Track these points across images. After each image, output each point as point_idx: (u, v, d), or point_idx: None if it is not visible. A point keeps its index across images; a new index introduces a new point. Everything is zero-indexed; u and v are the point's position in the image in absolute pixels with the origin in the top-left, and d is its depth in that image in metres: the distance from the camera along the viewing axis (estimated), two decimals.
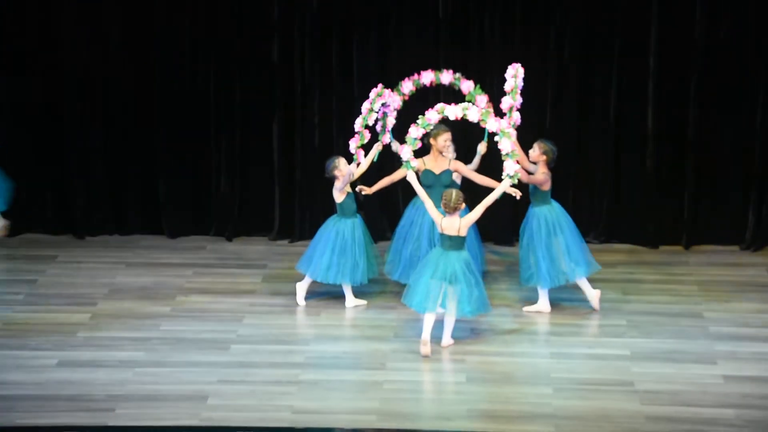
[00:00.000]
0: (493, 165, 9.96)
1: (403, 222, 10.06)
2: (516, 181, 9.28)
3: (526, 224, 9.92)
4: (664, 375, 8.95)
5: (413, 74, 10.89)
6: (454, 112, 9.42)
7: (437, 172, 9.93)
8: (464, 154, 10.35)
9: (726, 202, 11.26)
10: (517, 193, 9.70)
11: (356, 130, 9.92)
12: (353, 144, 9.93)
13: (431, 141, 9.99)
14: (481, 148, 10.12)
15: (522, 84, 9.86)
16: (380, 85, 9.93)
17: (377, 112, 9.97)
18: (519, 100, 9.86)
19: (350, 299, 10.06)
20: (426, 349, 9.17)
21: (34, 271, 10.78)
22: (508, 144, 9.25)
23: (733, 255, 11.16)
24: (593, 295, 9.92)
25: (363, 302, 10.10)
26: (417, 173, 10.00)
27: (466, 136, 10.65)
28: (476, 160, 10.19)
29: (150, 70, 11.21)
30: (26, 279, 10.63)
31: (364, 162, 10.04)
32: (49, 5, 11.09)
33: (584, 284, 9.90)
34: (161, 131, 11.34)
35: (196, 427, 8.25)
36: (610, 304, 10.08)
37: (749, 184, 11.18)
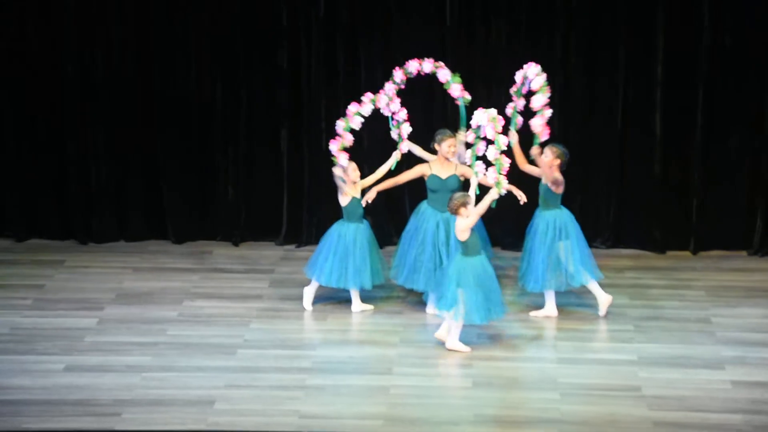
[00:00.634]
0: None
1: (409, 227, 10.07)
2: (503, 192, 9.22)
3: (532, 227, 9.91)
4: (672, 380, 8.93)
5: (420, 82, 10.95)
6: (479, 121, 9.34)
7: (443, 177, 9.93)
8: None
9: (733, 208, 11.25)
10: (522, 197, 9.70)
11: (337, 132, 9.87)
12: (334, 146, 9.87)
13: (436, 146, 9.99)
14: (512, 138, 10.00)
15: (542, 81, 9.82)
16: (368, 94, 9.89)
17: (363, 117, 9.90)
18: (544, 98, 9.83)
19: (357, 304, 10.05)
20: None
21: (41, 276, 10.79)
22: (492, 152, 9.21)
23: (740, 260, 11.14)
24: (604, 300, 9.90)
25: (369, 307, 10.10)
26: (423, 178, 10.00)
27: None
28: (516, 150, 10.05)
29: (156, 75, 11.22)
30: (34, 284, 10.64)
31: (381, 169, 10.04)
32: (50, 9, 11.09)
33: (596, 289, 9.89)
34: (168, 136, 11.35)
35: None
36: (618, 310, 10.06)
37: (756, 189, 11.17)
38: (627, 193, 11.30)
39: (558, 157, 9.79)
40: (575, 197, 11.29)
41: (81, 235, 11.51)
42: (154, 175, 11.47)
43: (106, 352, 9.37)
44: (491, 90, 11.11)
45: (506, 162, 9.22)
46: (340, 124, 9.87)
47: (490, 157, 9.21)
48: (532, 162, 9.93)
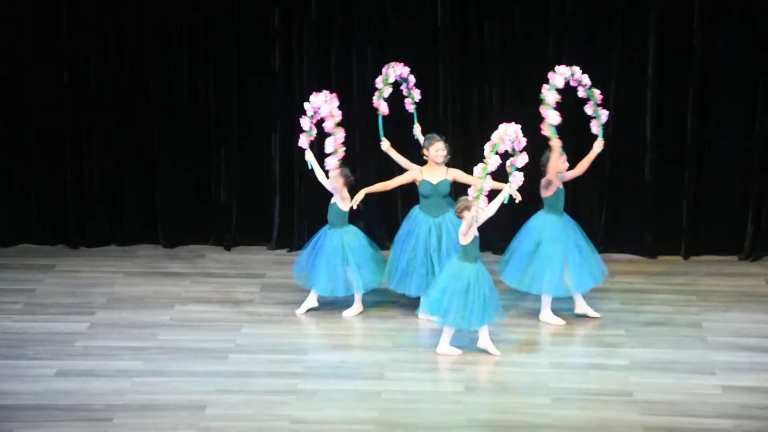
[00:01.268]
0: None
1: (401, 232, 10.06)
2: (514, 196, 9.25)
3: (539, 229, 9.84)
4: (663, 385, 8.94)
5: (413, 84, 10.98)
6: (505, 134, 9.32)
7: (434, 182, 9.92)
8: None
9: (725, 212, 11.26)
10: (517, 197, 9.72)
11: (304, 128, 9.83)
12: (304, 141, 9.83)
13: (424, 152, 9.98)
14: (597, 145, 9.99)
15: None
16: (326, 93, 9.85)
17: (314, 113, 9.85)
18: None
19: (355, 308, 10.04)
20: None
21: (32, 281, 10.77)
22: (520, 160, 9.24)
23: (731, 265, 11.15)
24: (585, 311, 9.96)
25: (358, 310, 10.08)
26: (415, 184, 10.00)
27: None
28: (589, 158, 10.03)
29: (148, 77, 11.21)
30: (24, 288, 10.62)
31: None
32: (44, 11, 11.07)
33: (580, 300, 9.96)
34: (160, 139, 11.34)
35: None
36: (609, 314, 10.07)
37: (748, 194, 11.18)
38: (618, 197, 11.31)
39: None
40: (566, 202, 11.28)
41: (72, 239, 11.49)
42: (145, 179, 11.45)
43: (98, 357, 9.35)
44: (484, 92, 11.12)
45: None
46: (306, 122, 9.77)
47: (519, 165, 9.18)
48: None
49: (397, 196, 11.29)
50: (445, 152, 9.91)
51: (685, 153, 11.13)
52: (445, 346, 9.37)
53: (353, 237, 9.99)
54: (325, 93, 9.77)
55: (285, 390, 8.86)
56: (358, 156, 11.28)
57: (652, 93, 11.04)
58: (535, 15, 11.00)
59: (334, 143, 9.76)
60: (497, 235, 11.29)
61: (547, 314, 9.92)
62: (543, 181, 9.90)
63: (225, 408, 8.62)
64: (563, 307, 10.04)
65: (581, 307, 9.99)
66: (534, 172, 11.22)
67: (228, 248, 11.51)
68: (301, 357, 9.39)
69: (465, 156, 11.19)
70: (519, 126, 9.25)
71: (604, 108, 9.92)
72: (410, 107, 10.31)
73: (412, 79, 10.22)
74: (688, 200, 11.19)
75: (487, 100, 11.17)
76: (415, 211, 10.01)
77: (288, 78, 11.19)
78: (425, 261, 9.83)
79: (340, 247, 9.90)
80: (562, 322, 9.85)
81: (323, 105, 9.72)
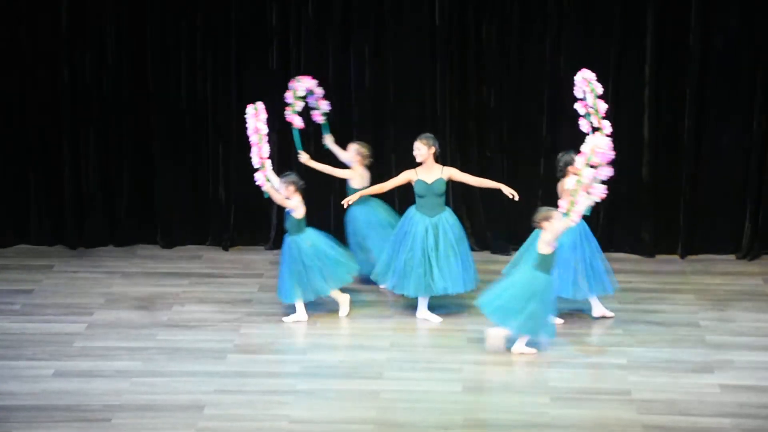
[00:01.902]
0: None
1: (397, 232, 10.05)
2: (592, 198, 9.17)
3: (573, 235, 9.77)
4: (661, 384, 8.95)
5: (410, 84, 10.98)
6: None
7: (429, 181, 9.91)
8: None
9: (722, 211, 11.26)
10: (514, 195, 9.74)
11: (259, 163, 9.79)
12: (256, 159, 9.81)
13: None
14: None
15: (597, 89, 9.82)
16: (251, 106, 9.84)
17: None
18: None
19: (342, 308, 10.06)
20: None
21: (30, 281, 10.77)
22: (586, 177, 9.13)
23: (729, 264, 11.16)
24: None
25: (346, 309, 10.05)
26: (411, 183, 9.98)
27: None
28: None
29: (147, 77, 11.21)
30: (22, 289, 10.62)
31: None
32: (43, 10, 11.07)
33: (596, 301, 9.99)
34: (158, 139, 11.34)
35: None
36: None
37: (745, 193, 11.19)
38: (615, 197, 11.30)
39: None
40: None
41: (70, 240, 11.49)
42: (144, 180, 11.45)
43: (96, 358, 9.35)
44: (482, 91, 11.12)
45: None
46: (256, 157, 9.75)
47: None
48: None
49: (395, 198, 11.29)
50: (420, 151, 9.84)
51: (682, 152, 11.13)
52: (521, 347, 9.32)
53: (311, 241, 9.90)
54: (253, 106, 9.74)
55: (283, 390, 8.87)
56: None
57: (650, 92, 11.04)
58: (532, 14, 11.00)
59: (259, 158, 9.70)
60: (492, 234, 11.29)
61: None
62: (563, 182, 9.82)
63: (223, 408, 8.62)
64: (575, 307, 10.05)
65: (599, 309, 9.98)
66: (533, 172, 11.27)
67: (226, 248, 11.51)
68: (300, 357, 9.39)
69: (463, 155, 11.21)
70: (609, 139, 9.16)
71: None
72: (319, 118, 10.54)
73: (319, 91, 10.44)
74: (686, 199, 11.19)
75: (485, 99, 11.17)
76: (411, 211, 10.00)
77: (286, 77, 11.18)
78: (423, 261, 9.83)
79: (299, 254, 9.84)
80: (560, 320, 9.86)
81: (250, 119, 9.71)
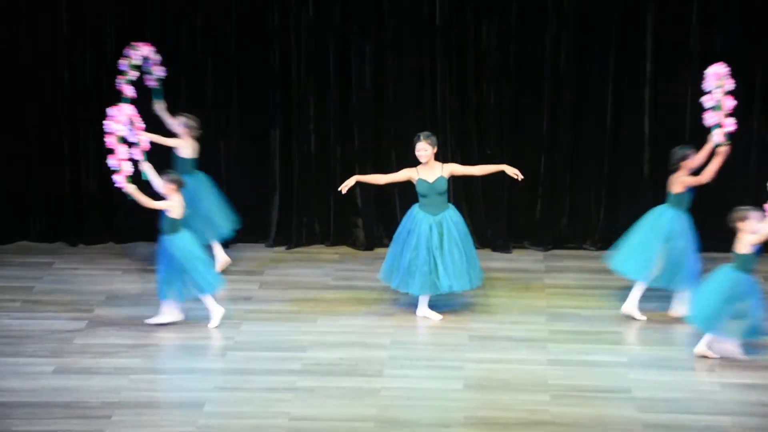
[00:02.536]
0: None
1: (401, 229, 10.04)
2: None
3: (673, 226, 9.84)
4: (661, 382, 8.94)
5: (411, 83, 10.97)
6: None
7: (430, 180, 9.90)
8: None
9: (723, 209, 11.21)
10: (518, 175, 9.75)
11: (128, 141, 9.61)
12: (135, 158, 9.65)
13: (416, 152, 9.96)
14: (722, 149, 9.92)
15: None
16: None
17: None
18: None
19: (215, 316, 9.78)
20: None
21: (30, 278, 10.76)
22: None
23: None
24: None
25: (217, 319, 9.79)
26: (412, 182, 9.96)
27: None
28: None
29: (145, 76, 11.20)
30: (22, 286, 10.61)
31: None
32: (43, 9, 11.06)
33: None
34: (157, 136, 11.31)
35: None
36: (607, 312, 10.07)
37: (745, 191, 11.16)
38: (617, 195, 11.31)
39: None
40: (564, 199, 11.31)
41: (70, 237, 11.48)
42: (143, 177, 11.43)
43: (96, 355, 9.35)
44: (481, 90, 11.11)
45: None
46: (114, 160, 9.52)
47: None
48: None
49: (395, 195, 11.29)
50: (427, 152, 9.83)
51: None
52: (725, 347, 9.28)
53: (185, 243, 9.71)
54: (113, 108, 9.58)
55: (283, 387, 8.86)
56: (357, 152, 11.27)
57: (650, 91, 11.04)
58: (532, 13, 10.99)
59: (117, 161, 9.47)
60: (493, 232, 11.29)
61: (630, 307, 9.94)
62: (676, 176, 9.85)
63: (223, 405, 8.62)
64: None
65: (680, 307, 9.95)
66: (533, 169, 11.26)
67: (226, 246, 11.49)
68: (300, 354, 9.38)
69: (463, 153, 11.20)
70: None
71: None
72: (152, 83, 10.58)
73: (156, 57, 10.51)
74: None
75: (485, 98, 11.16)
76: (415, 209, 9.99)
77: (287, 76, 11.19)
78: (428, 260, 9.82)
79: (172, 253, 9.69)
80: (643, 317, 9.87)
81: (108, 121, 9.46)
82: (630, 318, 9.94)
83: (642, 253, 9.87)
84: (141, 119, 9.66)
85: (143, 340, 9.59)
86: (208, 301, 9.80)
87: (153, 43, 11.12)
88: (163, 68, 10.53)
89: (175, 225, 9.71)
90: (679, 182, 9.88)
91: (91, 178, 11.40)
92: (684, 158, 9.86)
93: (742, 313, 9.14)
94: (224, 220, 10.82)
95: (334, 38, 11.10)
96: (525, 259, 11.17)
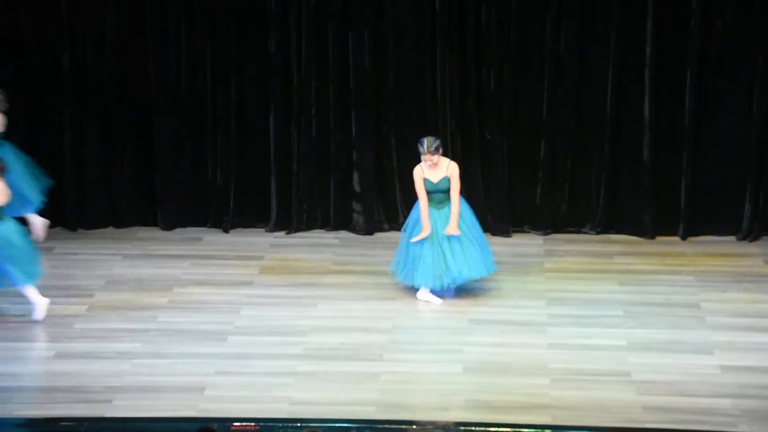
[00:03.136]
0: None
1: (409, 221, 10.06)
2: None
3: None
4: (661, 365, 8.96)
5: (411, 67, 10.95)
6: None
7: (435, 180, 9.90)
8: None
9: (723, 193, 11.26)
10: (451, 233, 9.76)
11: None
12: None
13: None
14: None
15: None
16: None
17: None
18: None
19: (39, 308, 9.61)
20: None
21: None
22: None
23: (730, 245, 11.15)
24: None
25: (42, 311, 9.64)
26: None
27: None
28: None
29: (145, 61, 11.19)
30: None
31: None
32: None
33: None
34: (157, 122, 11.32)
35: (194, 419, 8.24)
36: (607, 295, 10.09)
37: (746, 175, 11.17)
38: (617, 179, 11.31)
39: None
40: (564, 183, 11.31)
41: (70, 222, 11.49)
42: (143, 162, 11.44)
43: (97, 339, 9.36)
44: (482, 75, 11.10)
45: None
46: None
47: None
48: None
49: (395, 179, 11.29)
50: (434, 161, 9.79)
51: (683, 134, 11.11)
52: None
53: (9, 231, 9.53)
54: None
55: (284, 372, 8.87)
56: (355, 140, 11.26)
57: (650, 74, 11.02)
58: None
59: None
60: (493, 216, 11.29)
61: None
62: None
63: (224, 390, 8.64)
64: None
65: None
66: (533, 154, 11.26)
67: (226, 230, 11.50)
68: (300, 339, 9.39)
69: (463, 138, 11.19)
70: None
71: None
72: None
73: None
74: (687, 181, 11.18)
75: (486, 83, 11.15)
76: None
77: (285, 62, 11.17)
78: (431, 252, 9.82)
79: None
80: None
81: None
82: (630, 302, 9.98)
83: None
84: None
85: (144, 324, 9.60)
86: (30, 292, 9.57)
87: (152, 30, 11.13)
88: None
89: (1, 212, 9.48)
90: None
91: (91, 163, 11.39)
92: None
93: None
94: (33, 191, 10.32)
95: (333, 23, 11.08)
96: (525, 243, 11.18)
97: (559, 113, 11.18)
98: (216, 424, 7.61)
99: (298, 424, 8.11)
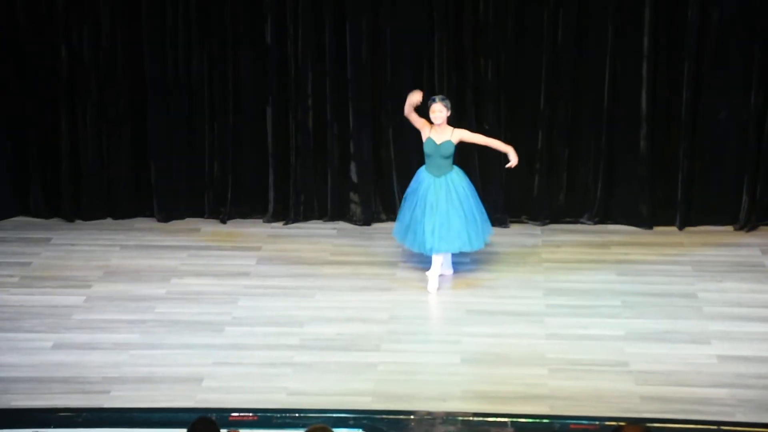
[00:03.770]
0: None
1: (408, 189, 10.12)
2: None
3: None
4: (658, 355, 8.97)
5: (408, 57, 10.93)
6: None
7: (438, 142, 9.93)
8: None
9: (720, 183, 11.26)
10: (512, 164, 9.77)
11: None
12: None
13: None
14: None
15: None
16: None
17: None
18: None
19: None
20: None
21: (28, 254, 10.76)
22: None
23: (727, 235, 11.16)
24: None
25: None
26: (421, 137, 9.99)
27: None
28: None
29: (141, 52, 11.17)
30: (20, 261, 10.61)
31: None
32: None
33: None
34: (153, 114, 11.31)
35: (192, 409, 8.25)
36: (605, 285, 10.10)
37: (743, 165, 11.18)
38: (614, 169, 11.31)
39: None
40: (561, 173, 11.31)
41: (68, 213, 11.48)
42: (140, 153, 11.43)
43: (94, 330, 9.37)
44: (479, 65, 11.10)
45: None
46: None
47: None
48: None
49: (393, 171, 11.29)
50: (442, 113, 9.86)
51: (680, 124, 11.12)
52: None
53: None
54: None
55: (281, 362, 8.88)
56: (353, 131, 11.26)
57: (648, 65, 11.02)
58: None
59: None
60: (490, 206, 11.28)
61: None
62: None
63: (222, 380, 8.64)
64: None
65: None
66: (531, 144, 11.26)
67: (224, 221, 11.50)
68: (298, 329, 9.40)
69: (460, 127, 11.17)
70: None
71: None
72: None
73: None
74: (684, 171, 11.18)
75: (483, 73, 11.14)
76: (421, 170, 10.06)
77: (282, 52, 11.16)
78: (422, 219, 9.86)
79: None
80: None
81: None
82: (628, 292, 9.98)
83: None
84: None
85: (142, 315, 9.60)
86: None
87: (149, 20, 11.10)
88: None
89: None
90: None
91: (88, 154, 11.39)
92: None
93: None
94: None
95: (330, 12, 11.07)
96: (522, 234, 11.19)
97: (557, 104, 11.18)
98: (214, 414, 7.61)
99: (296, 414, 8.12)
